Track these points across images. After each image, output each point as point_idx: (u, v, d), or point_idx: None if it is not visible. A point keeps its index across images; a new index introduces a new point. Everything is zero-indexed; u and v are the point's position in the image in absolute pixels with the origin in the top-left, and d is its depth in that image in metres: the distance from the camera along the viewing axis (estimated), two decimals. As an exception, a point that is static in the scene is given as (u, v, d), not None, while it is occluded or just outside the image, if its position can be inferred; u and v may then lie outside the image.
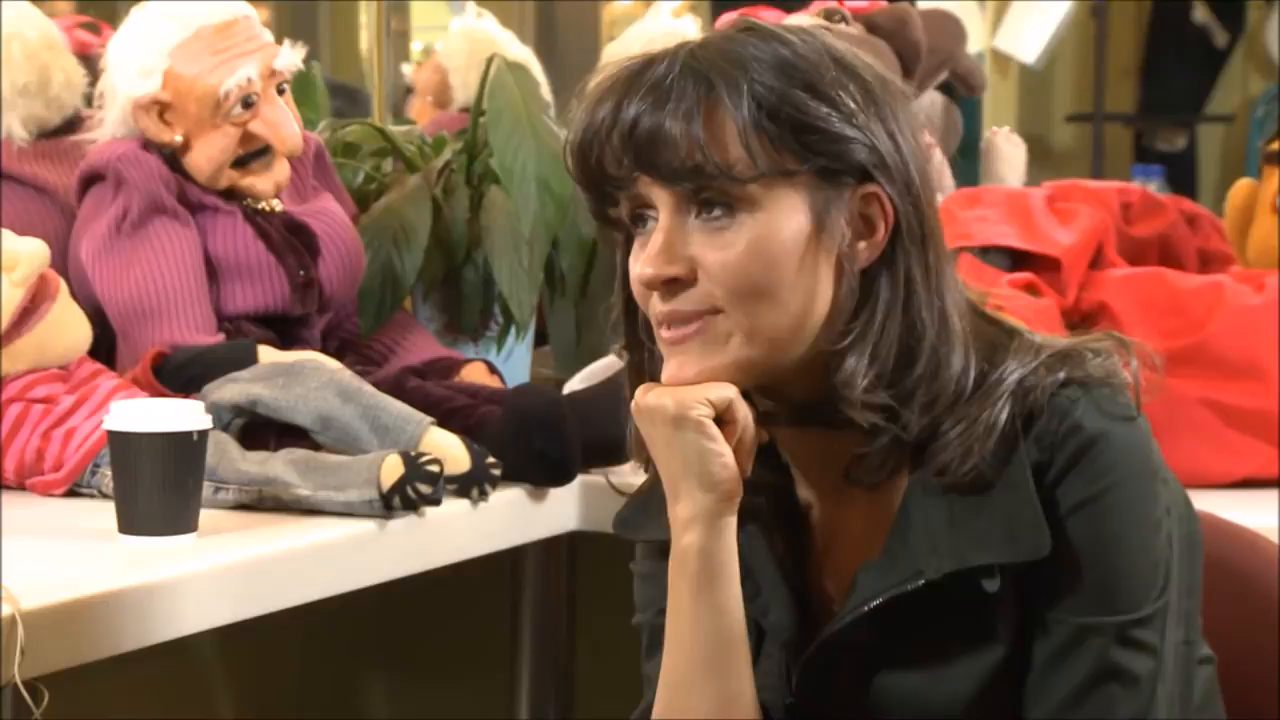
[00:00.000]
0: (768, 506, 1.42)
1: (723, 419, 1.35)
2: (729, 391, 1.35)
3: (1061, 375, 1.36)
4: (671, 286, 1.34)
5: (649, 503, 1.45)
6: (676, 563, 1.37)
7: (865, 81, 1.35)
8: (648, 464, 1.42)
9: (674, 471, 1.36)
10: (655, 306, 1.36)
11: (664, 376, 1.36)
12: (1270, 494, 2.23)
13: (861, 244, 1.36)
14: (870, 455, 1.36)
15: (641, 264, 1.35)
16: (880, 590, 1.36)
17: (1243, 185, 2.55)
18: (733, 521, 1.36)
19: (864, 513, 1.40)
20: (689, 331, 1.35)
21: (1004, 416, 1.34)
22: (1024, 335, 1.39)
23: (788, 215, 1.33)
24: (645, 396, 1.37)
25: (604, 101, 1.35)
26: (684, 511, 1.36)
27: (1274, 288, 2.35)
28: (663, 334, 1.36)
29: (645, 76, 1.34)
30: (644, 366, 1.41)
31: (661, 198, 1.34)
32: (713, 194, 1.33)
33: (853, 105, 1.34)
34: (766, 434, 1.40)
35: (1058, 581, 1.34)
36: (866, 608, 1.36)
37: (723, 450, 1.35)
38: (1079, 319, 2.35)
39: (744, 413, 1.36)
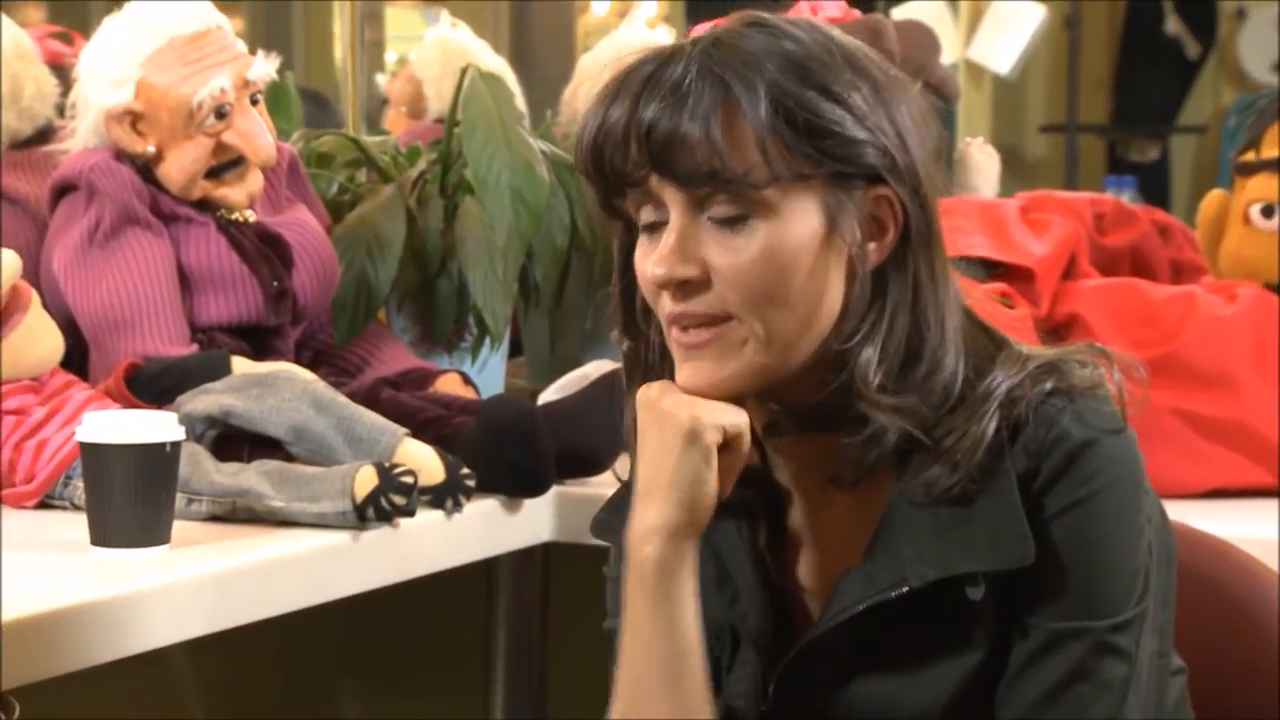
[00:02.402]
0: (748, 510, 1.41)
1: (727, 444, 1.35)
2: (742, 420, 1.35)
3: (1048, 385, 1.36)
4: (684, 288, 1.34)
5: (625, 506, 1.45)
6: (634, 574, 1.36)
7: (875, 79, 1.35)
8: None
9: (657, 479, 1.35)
10: (666, 306, 1.35)
11: (679, 380, 1.36)
12: (1241, 504, 2.23)
13: (871, 245, 1.35)
14: (852, 449, 1.36)
15: (653, 263, 1.34)
16: (864, 597, 1.35)
17: (1215, 196, 2.55)
18: (695, 542, 1.35)
19: (844, 517, 1.40)
20: (704, 339, 1.34)
21: (991, 429, 1.34)
22: (1011, 346, 1.40)
23: (801, 219, 1.33)
24: (663, 399, 1.35)
25: (619, 100, 1.33)
26: (651, 519, 1.35)
27: (1245, 298, 2.35)
28: (676, 336, 1.35)
29: (662, 76, 1.33)
30: (641, 355, 1.40)
31: (674, 198, 1.34)
32: (727, 197, 1.32)
33: (864, 106, 1.33)
34: (757, 455, 1.39)
35: (1039, 587, 1.34)
36: (849, 614, 1.36)
37: (713, 478, 1.34)
38: (1052, 329, 2.35)
39: (746, 441, 1.35)
